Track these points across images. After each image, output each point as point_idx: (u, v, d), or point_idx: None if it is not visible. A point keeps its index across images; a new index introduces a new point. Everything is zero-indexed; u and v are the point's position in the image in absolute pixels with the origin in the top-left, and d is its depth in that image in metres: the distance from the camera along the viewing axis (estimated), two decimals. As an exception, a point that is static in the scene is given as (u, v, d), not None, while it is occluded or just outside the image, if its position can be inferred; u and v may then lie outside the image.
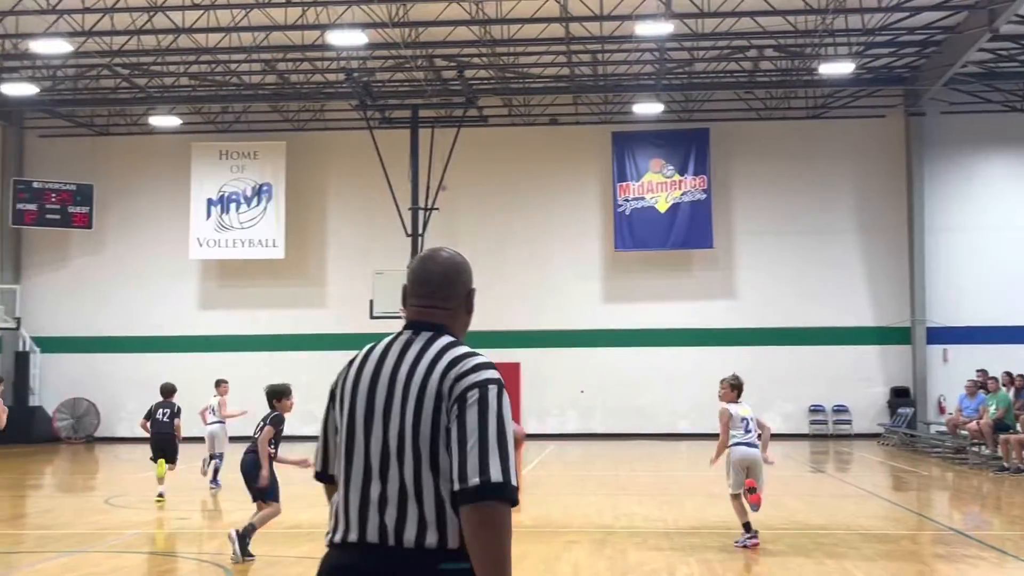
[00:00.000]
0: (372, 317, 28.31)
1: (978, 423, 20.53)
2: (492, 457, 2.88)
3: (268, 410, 11.11)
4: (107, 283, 32.40)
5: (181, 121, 31.08)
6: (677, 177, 30.72)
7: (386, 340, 3.21)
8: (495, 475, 2.86)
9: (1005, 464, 19.03)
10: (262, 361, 30.23)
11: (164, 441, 16.31)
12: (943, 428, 24.53)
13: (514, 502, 2.90)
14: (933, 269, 30.23)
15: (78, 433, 31.69)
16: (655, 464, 23.37)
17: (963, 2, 23.71)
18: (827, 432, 30.21)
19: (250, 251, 31.37)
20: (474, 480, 2.85)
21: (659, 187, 30.78)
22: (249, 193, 31.52)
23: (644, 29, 23.59)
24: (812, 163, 31.01)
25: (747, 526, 11.13)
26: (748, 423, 11.20)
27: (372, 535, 2.98)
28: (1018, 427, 19.73)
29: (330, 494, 3.25)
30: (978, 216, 30.39)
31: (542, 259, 31.33)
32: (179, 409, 16.66)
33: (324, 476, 3.28)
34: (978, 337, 29.65)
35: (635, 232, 30.70)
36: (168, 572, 10.30)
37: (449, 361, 3.03)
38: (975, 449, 20.97)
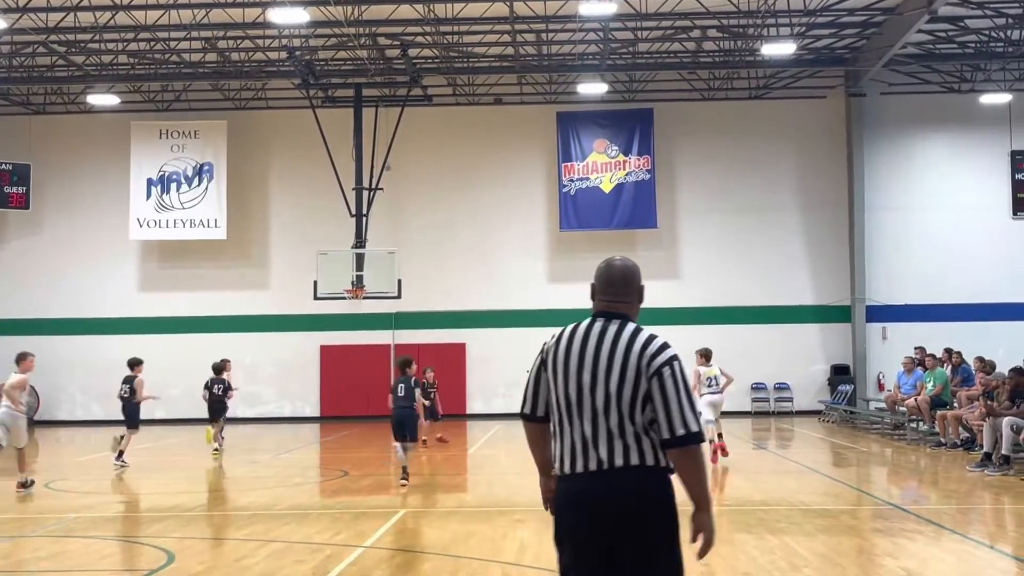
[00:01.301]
0: (316, 298, 28.13)
1: (916, 400, 20.87)
2: (687, 414, 4.18)
3: (400, 375, 15.47)
4: (45, 264, 31.88)
5: (120, 99, 30.58)
6: (621, 157, 30.83)
7: (584, 323, 4.44)
8: (692, 427, 4.18)
9: (942, 440, 19.37)
10: (204, 343, 29.95)
11: (217, 408, 20.67)
12: (882, 405, 24.90)
13: (702, 440, 4.23)
14: (872, 248, 30.66)
15: (16, 417, 31.16)
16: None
17: (902, -16, 23.98)
18: (769, 410, 30.60)
19: (191, 231, 31.01)
20: (680, 431, 4.16)
21: (603, 167, 30.86)
22: (190, 173, 31.14)
23: (588, 9, 23.58)
24: (754, 143, 31.27)
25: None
26: (713, 380, 17.08)
27: (592, 465, 4.25)
28: (954, 403, 20.08)
29: (533, 432, 4.63)
30: (916, 195, 30.86)
31: (487, 239, 31.32)
32: (228, 382, 21.20)
33: (531, 416, 4.60)
34: (916, 315, 30.16)
35: (580, 212, 30.77)
36: (109, 556, 10.18)
37: (643, 344, 4.28)
38: (913, 425, 21.31)
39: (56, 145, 32.10)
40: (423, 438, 20.93)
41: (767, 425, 27.35)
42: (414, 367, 15.68)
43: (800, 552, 9.60)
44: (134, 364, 19.05)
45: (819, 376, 30.97)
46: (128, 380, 18.80)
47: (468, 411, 30.42)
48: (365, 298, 27.81)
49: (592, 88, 29.62)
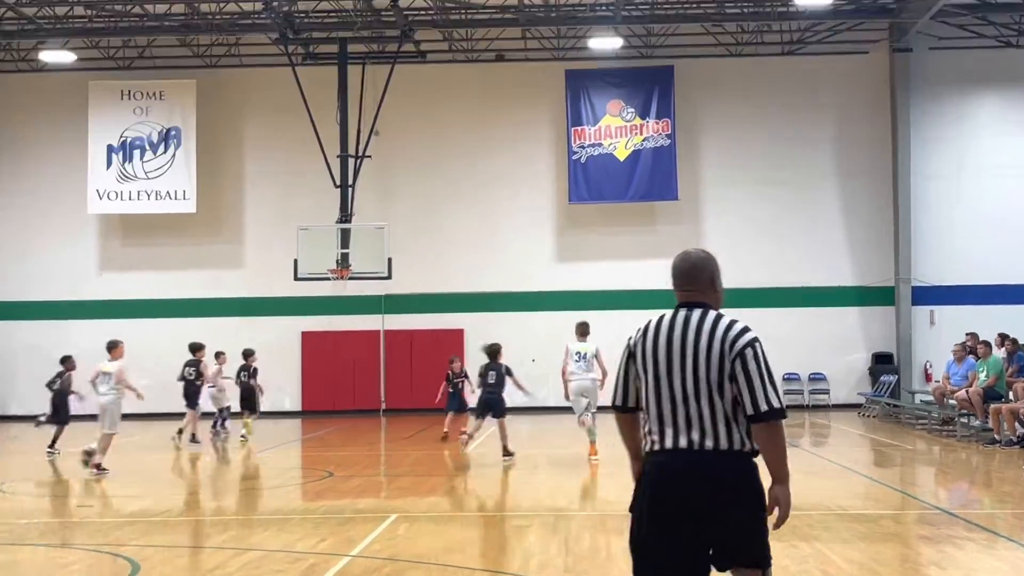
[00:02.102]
0: (296, 279, 28.14)
1: (967, 391, 20.86)
2: (770, 391, 4.93)
3: (488, 362, 18.67)
4: (-6, 241, 31.95)
5: (76, 57, 30.51)
6: (638, 121, 30.78)
7: (668, 314, 5.19)
8: (774, 403, 4.93)
9: (996, 436, 19.39)
10: (172, 328, 29.98)
11: (247, 395, 23.29)
12: (929, 397, 24.91)
13: (785, 416, 4.98)
14: (919, 222, 30.61)
15: (-36, 411, 31.30)
16: (614, 439, 23.45)
17: (954, -75, 23.87)
18: (802, 403, 30.65)
19: (157, 204, 31.04)
20: (764, 408, 4.90)
21: (618, 132, 30.81)
22: (155, 139, 31.15)
23: (601, -46, 23.52)
24: (787, 105, 31.18)
25: None
26: (580, 356, 17.40)
27: (683, 443, 4.97)
28: (1010, 396, 20.08)
29: (622, 421, 5.38)
30: (969, 163, 30.77)
31: (487, 213, 31.30)
32: (255, 369, 23.78)
33: (625, 408, 5.32)
34: (968, 297, 30.11)
35: (591, 182, 30.74)
36: (67, 565, 10.22)
37: (725, 328, 5.03)
38: (964, 420, 21.33)
39: (5, 108, 32.10)
40: (445, 430, 21.64)
41: (800, 420, 27.38)
42: (503, 354, 18.70)
43: (835, 561, 9.63)
44: (196, 348, 22.64)
45: (859, 365, 30.99)
46: (192, 364, 22.37)
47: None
48: (351, 279, 27.83)
49: (605, 43, 29.55)
